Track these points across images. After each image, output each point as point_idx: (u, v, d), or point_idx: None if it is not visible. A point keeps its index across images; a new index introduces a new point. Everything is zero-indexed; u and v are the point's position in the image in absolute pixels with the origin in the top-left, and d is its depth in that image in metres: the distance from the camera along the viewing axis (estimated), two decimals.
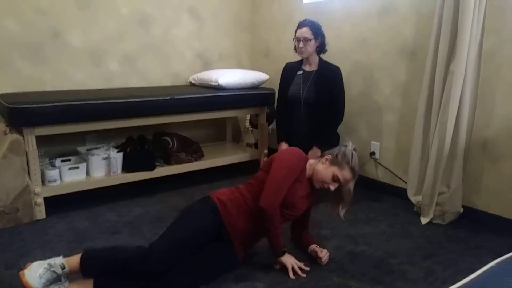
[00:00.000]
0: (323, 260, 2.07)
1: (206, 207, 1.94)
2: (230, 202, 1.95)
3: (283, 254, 1.99)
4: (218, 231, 1.91)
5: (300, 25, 2.80)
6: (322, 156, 2.07)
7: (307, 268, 2.01)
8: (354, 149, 2.03)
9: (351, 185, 2.01)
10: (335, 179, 1.97)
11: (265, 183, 1.92)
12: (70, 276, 1.75)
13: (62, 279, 1.72)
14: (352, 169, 1.98)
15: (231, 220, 1.92)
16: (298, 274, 1.96)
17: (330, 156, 2.02)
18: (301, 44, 2.77)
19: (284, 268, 1.99)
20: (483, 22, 2.35)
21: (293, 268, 1.97)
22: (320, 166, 2.01)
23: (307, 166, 2.05)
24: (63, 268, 1.72)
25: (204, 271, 1.88)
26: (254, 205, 1.94)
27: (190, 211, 1.96)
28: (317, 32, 2.79)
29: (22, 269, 1.70)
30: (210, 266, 1.90)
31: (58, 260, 1.73)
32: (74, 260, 1.75)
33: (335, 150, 2.03)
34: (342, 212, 2.04)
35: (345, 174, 1.97)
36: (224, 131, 4.06)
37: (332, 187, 1.99)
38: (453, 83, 2.40)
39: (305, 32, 2.75)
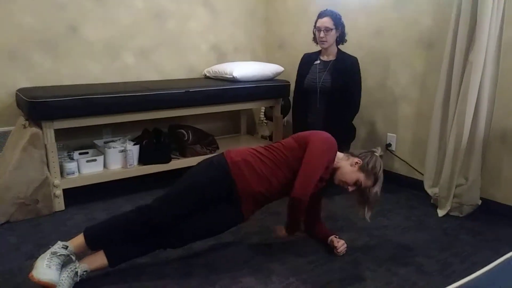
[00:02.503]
0: (339, 250, 2.06)
1: (216, 164, 1.95)
2: (244, 162, 1.92)
3: (293, 234, 2.10)
4: (227, 189, 1.90)
5: (321, 15, 2.77)
6: (352, 155, 2.05)
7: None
8: (380, 156, 2.04)
9: (377, 189, 2.00)
10: (357, 183, 1.97)
11: (300, 172, 1.88)
12: (79, 255, 1.78)
13: (72, 257, 1.74)
14: (376, 179, 1.98)
15: (242, 179, 1.89)
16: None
17: (360, 161, 1.99)
18: (322, 34, 2.74)
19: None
20: (503, 11, 2.29)
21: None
22: (348, 168, 1.99)
23: (336, 158, 2.03)
24: (66, 247, 1.73)
25: (207, 223, 1.91)
26: (270, 169, 1.93)
27: (197, 167, 1.98)
28: (338, 22, 2.76)
29: (29, 272, 1.67)
30: (214, 219, 1.92)
31: (57, 245, 1.74)
32: (78, 240, 1.78)
33: (366, 155, 2.01)
34: (368, 215, 2.03)
35: (368, 183, 1.98)
36: (239, 123, 4.07)
37: (351, 189, 1.99)
38: (472, 73, 2.35)
39: (327, 21, 2.73)
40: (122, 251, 1.83)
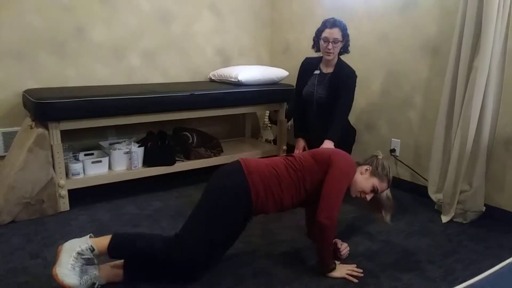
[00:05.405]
0: (342, 253, 2.07)
1: (239, 195, 1.83)
2: (262, 186, 1.85)
3: (333, 269, 1.92)
4: (244, 214, 1.89)
5: (331, 25, 2.62)
6: (358, 164, 2.07)
7: (359, 271, 1.95)
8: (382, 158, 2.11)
9: (388, 192, 2.07)
10: (374, 190, 2.01)
11: (323, 195, 1.85)
12: (99, 257, 1.78)
13: (95, 261, 1.74)
14: (389, 181, 2.05)
15: (260, 205, 1.87)
16: (358, 276, 1.91)
17: (370, 167, 2.04)
18: (330, 46, 2.62)
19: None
20: (508, 18, 2.30)
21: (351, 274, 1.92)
22: (360, 177, 2.01)
23: None
24: (92, 250, 1.71)
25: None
26: (286, 190, 1.89)
27: (221, 196, 1.84)
28: (345, 33, 2.67)
29: (54, 265, 1.67)
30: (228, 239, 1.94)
31: (85, 245, 1.71)
32: (102, 242, 1.75)
33: (372, 161, 2.07)
34: (387, 218, 2.09)
35: (383, 186, 2.03)
36: (243, 127, 4.08)
37: (369, 197, 2.02)
38: (477, 79, 2.35)
39: (336, 33, 2.61)
40: (141, 273, 1.83)
